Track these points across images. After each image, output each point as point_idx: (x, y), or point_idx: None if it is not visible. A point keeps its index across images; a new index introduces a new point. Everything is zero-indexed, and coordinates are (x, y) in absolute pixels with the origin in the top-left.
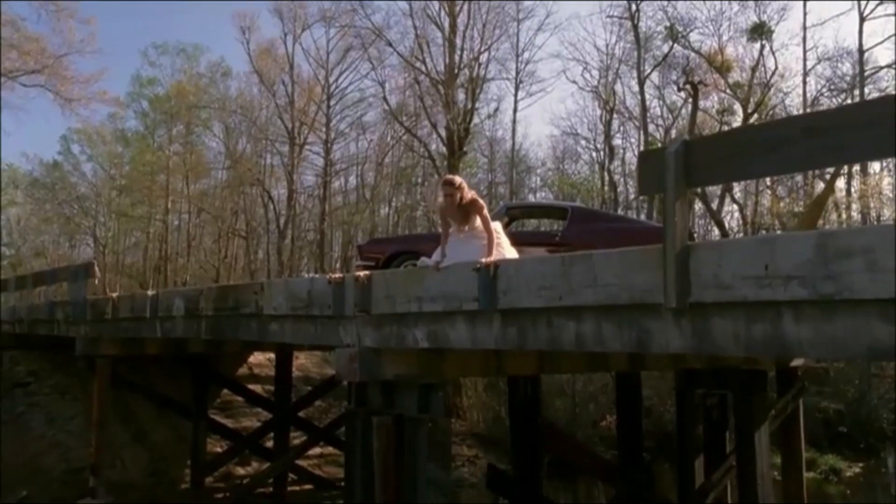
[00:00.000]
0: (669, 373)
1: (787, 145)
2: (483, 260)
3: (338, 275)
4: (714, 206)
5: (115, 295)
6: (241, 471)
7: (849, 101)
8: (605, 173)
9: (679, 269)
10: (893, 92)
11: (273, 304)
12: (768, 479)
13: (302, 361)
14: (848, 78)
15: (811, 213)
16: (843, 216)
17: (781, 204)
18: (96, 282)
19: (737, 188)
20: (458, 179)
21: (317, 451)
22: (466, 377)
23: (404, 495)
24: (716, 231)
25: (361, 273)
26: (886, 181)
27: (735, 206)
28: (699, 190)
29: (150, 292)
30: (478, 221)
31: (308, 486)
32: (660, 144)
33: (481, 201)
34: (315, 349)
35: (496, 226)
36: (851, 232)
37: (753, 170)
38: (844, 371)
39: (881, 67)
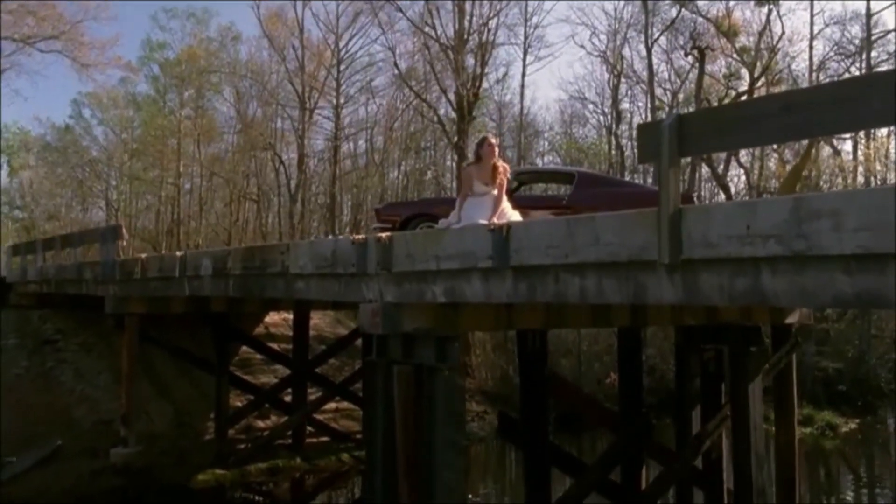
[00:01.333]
0: (672, 335)
1: (766, 120)
2: (496, 220)
3: (360, 236)
4: (720, 170)
5: (143, 256)
6: (261, 423)
7: (856, 65)
8: (613, 137)
9: (672, 230)
10: None
11: (299, 263)
12: (760, 429)
13: (316, 321)
14: (857, 41)
15: (790, 180)
16: (849, 180)
17: (788, 167)
18: (124, 243)
19: (743, 152)
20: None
21: (332, 405)
22: (480, 330)
23: (424, 436)
24: (721, 195)
25: (383, 234)
26: (893, 145)
27: (741, 170)
28: (705, 155)
29: (178, 253)
30: (494, 193)
31: (325, 439)
32: (667, 108)
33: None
34: (337, 308)
35: None
36: (821, 197)
37: (738, 141)
38: (844, 332)
39: (888, 31)
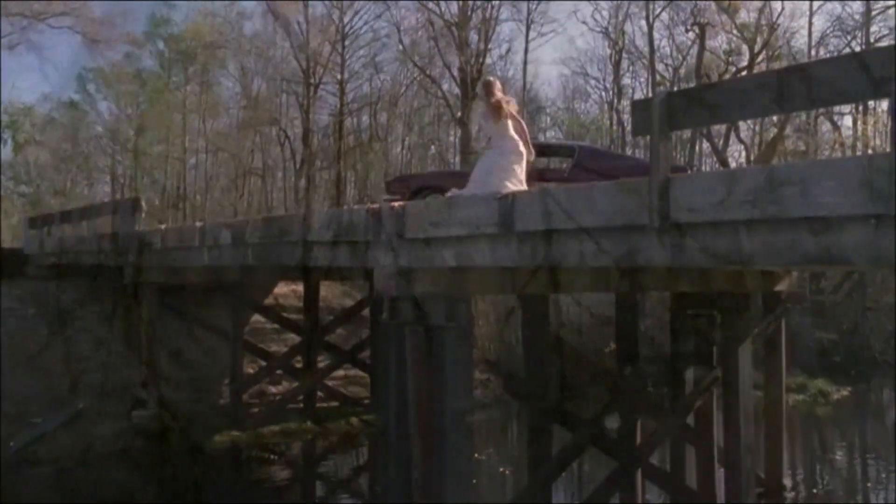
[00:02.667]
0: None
1: (745, 96)
2: (502, 191)
3: (375, 205)
4: (720, 145)
5: (163, 227)
6: (273, 389)
7: (856, 40)
8: (614, 112)
9: (661, 197)
10: None
11: (316, 231)
12: (749, 390)
13: (324, 293)
14: (857, 16)
15: (766, 153)
16: (848, 154)
17: (788, 143)
18: (143, 216)
19: (743, 128)
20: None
21: (341, 373)
22: (487, 294)
23: (434, 393)
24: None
25: (396, 203)
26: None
27: (741, 146)
28: (705, 130)
29: (198, 223)
30: (511, 126)
31: (334, 404)
32: (668, 84)
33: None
34: (346, 278)
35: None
36: (791, 166)
37: (720, 116)
38: (840, 304)
39: (888, 6)
